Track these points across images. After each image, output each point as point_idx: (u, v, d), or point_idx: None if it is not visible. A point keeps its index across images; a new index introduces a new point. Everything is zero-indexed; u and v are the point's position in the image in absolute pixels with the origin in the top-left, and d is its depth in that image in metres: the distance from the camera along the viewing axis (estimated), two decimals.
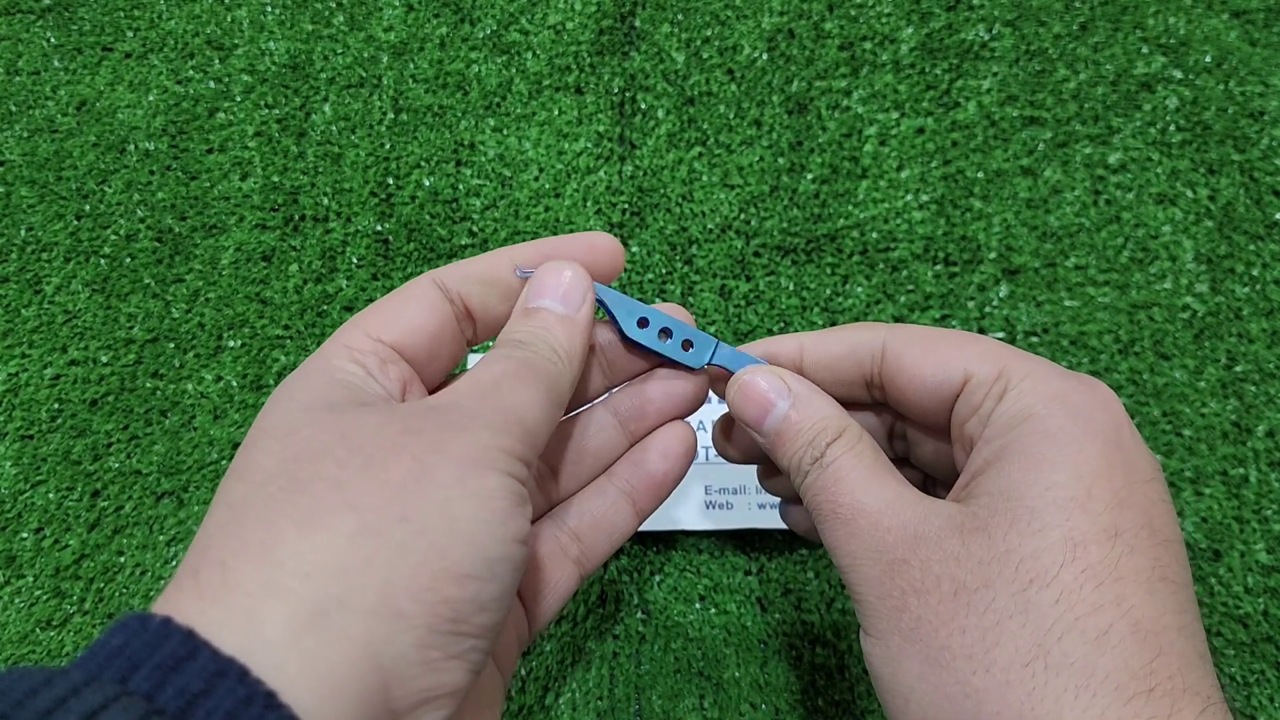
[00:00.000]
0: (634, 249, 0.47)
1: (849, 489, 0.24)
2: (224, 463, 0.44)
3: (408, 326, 0.25)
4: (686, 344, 0.28)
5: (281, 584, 0.18)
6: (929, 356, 0.25)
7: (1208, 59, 0.49)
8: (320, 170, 0.48)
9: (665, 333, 0.28)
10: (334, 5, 0.51)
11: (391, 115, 0.49)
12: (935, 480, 0.30)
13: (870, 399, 0.28)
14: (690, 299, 0.46)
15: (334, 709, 0.17)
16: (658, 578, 0.42)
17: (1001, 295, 0.45)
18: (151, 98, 0.50)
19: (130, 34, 0.51)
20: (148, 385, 0.45)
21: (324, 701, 0.17)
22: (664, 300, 0.46)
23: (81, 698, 0.15)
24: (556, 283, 0.26)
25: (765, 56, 0.50)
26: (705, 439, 0.42)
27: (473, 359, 0.28)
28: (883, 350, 0.26)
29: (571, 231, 0.47)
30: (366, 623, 0.18)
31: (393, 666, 0.18)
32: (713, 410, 0.42)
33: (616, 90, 0.50)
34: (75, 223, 0.47)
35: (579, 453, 0.29)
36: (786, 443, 0.26)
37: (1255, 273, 0.45)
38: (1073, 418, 0.22)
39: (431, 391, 0.27)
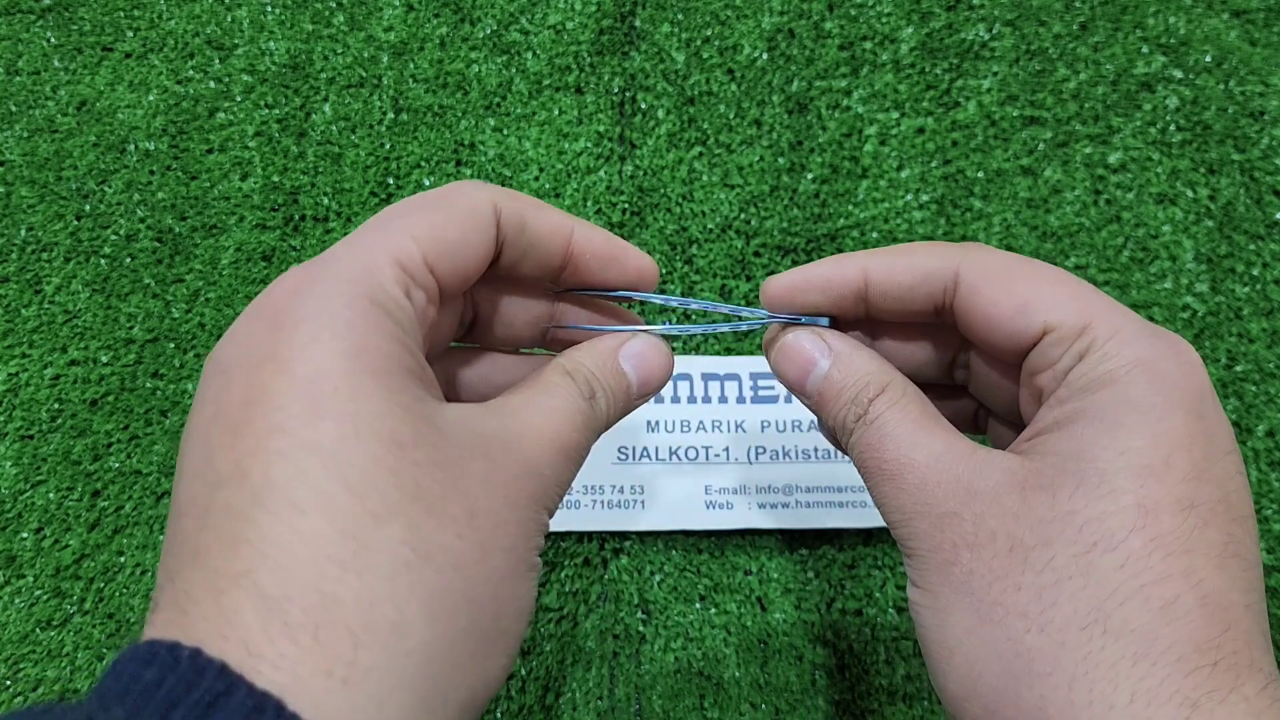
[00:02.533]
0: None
1: (894, 444, 0.23)
2: None
3: (460, 258, 0.22)
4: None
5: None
6: (1008, 298, 0.23)
7: (1208, 59, 0.49)
8: (320, 170, 0.48)
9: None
10: (334, 5, 0.51)
11: (391, 115, 0.49)
12: (990, 413, 0.29)
13: (938, 322, 0.27)
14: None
15: None
16: (658, 578, 0.42)
17: None
18: (151, 98, 0.49)
19: (130, 34, 0.51)
20: (148, 385, 0.45)
21: None
22: None
23: None
24: (658, 373, 0.26)
25: (765, 56, 0.50)
26: (706, 439, 0.42)
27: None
28: (956, 281, 0.25)
29: None
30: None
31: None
32: (714, 410, 0.43)
33: (616, 90, 0.50)
34: (75, 223, 0.47)
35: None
36: (830, 401, 0.26)
37: (1255, 273, 0.45)
38: (1156, 386, 0.21)
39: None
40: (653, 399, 0.37)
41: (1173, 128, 0.48)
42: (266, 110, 0.49)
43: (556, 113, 0.49)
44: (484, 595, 0.19)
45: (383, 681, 0.17)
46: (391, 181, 0.48)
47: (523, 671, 0.40)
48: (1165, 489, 0.20)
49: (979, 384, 0.28)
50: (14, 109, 0.49)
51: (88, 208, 0.47)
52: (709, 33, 0.50)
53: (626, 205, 0.48)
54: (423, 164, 0.48)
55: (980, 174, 0.47)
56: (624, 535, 0.42)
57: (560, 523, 0.41)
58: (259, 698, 0.16)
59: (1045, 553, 0.20)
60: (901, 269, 0.25)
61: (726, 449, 0.42)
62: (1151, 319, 0.45)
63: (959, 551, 0.22)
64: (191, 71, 0.50)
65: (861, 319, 0.28)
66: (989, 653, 0.21)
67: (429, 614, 0.18)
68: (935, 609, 0.22)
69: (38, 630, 0.41)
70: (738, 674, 0.40)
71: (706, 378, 0.43)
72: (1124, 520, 0.20)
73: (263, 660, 0.16)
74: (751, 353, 0.45)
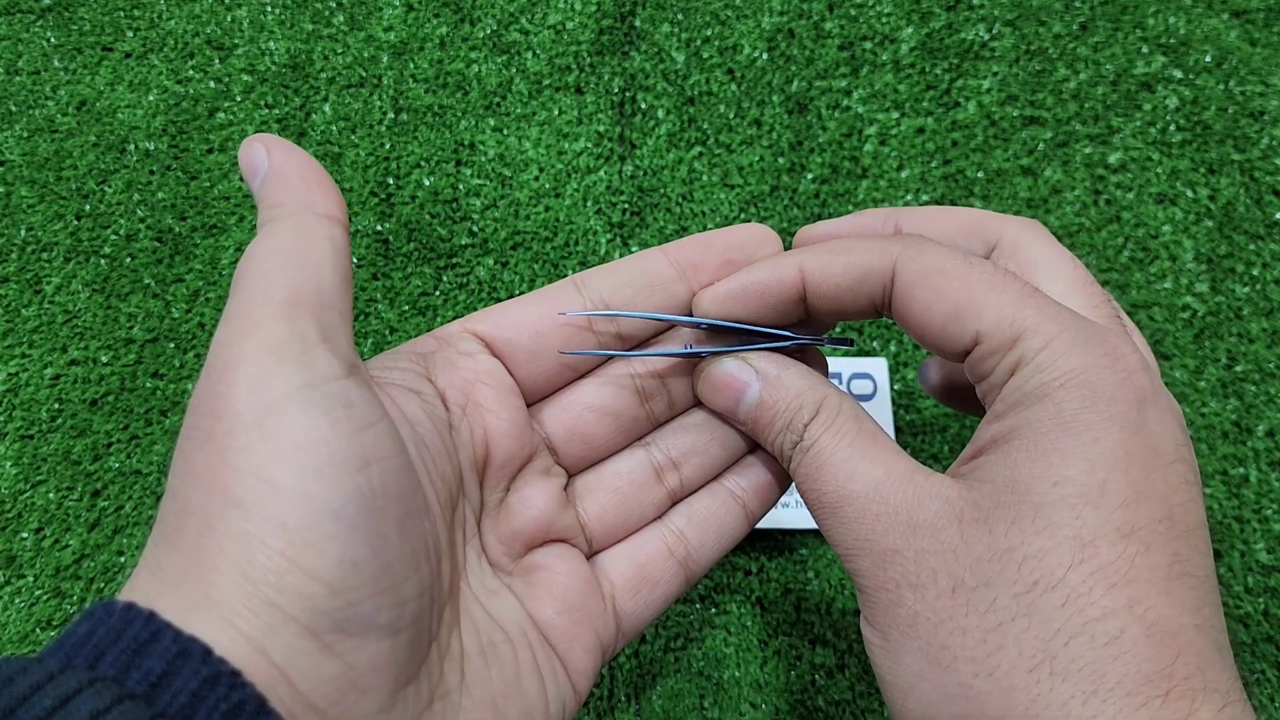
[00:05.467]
0: (634, 249, 0.47)
1: (831, 474, 0.23)
2: None
3: (511, 319, 0.26)
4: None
5: (174, 576, 0.18)
6: (940, 303, 0.22)
7: (1208, 59, 0.49)
8: None
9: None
10: (334, 5, 0.51)
11: (391, 115, 0.49)
12: None
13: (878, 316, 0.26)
14: None
15: None
16: None
17: None
18: (151, 98, 0.50)
19: (130, 34, 0.51)
20: (148, 385, 0.45)
21: None
22: None
23: (56, 684, 0.16)
24: None
25: (765, 56, 0.50)
26: None
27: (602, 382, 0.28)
28: (892, 279, 0.24)
29: (570, 231, 0.47)
30: (244, 619, 0.17)
31: (286, 660, 0.17)
32: None
33: (616, 90, 0.50)
34: (75, 223, 0.47)
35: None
36: (765, 428, 0.25)
37: (1255, 273, 0.45)
38: (1091, 401, 0.20)
39: (532, 393, 0.27)
40: None
41: (1173, 128, 0.48)
42: (266, 110, 0.49)
43: (556, 113, 0.49)
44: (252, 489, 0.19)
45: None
46: (391, 182, 0.48)
47: None
48: (1102, 517, 0.20)
49: None
50: (14, 109, 0.49)
51: (88, 208, 0.47)
52: (709, 33, 0.50)
53: (626, 205, 0.48)
54: (423, 164, 0.48)
55: (980, 174, 0.47)
56: None
57: None
58: (185, 643, 0.16)
59: (987, 594, 0.20)
60: (838, 268, 0.24)
61: None
62: (1151, 319, 0.45)
63: (903, 592, 0.21)
64: (191, 71, 0.50)
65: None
66: (940, 697, 0.20)
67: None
68: (886, 649, 0.22)
69: (38, 630, 0.41)
70: (738, 674, 0.40)
71: None
72: (1062, 556, 0.19)
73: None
74: None
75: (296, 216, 0.21)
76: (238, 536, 0.18)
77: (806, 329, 0.27)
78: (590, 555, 0.27)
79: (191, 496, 0.18)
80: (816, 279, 0.25)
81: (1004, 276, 0.22)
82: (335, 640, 0.18)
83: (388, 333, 0.46)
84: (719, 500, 0.28)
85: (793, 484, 0.28)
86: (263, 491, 0.18)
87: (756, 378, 0.25)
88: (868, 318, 0.26)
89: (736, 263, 0.26)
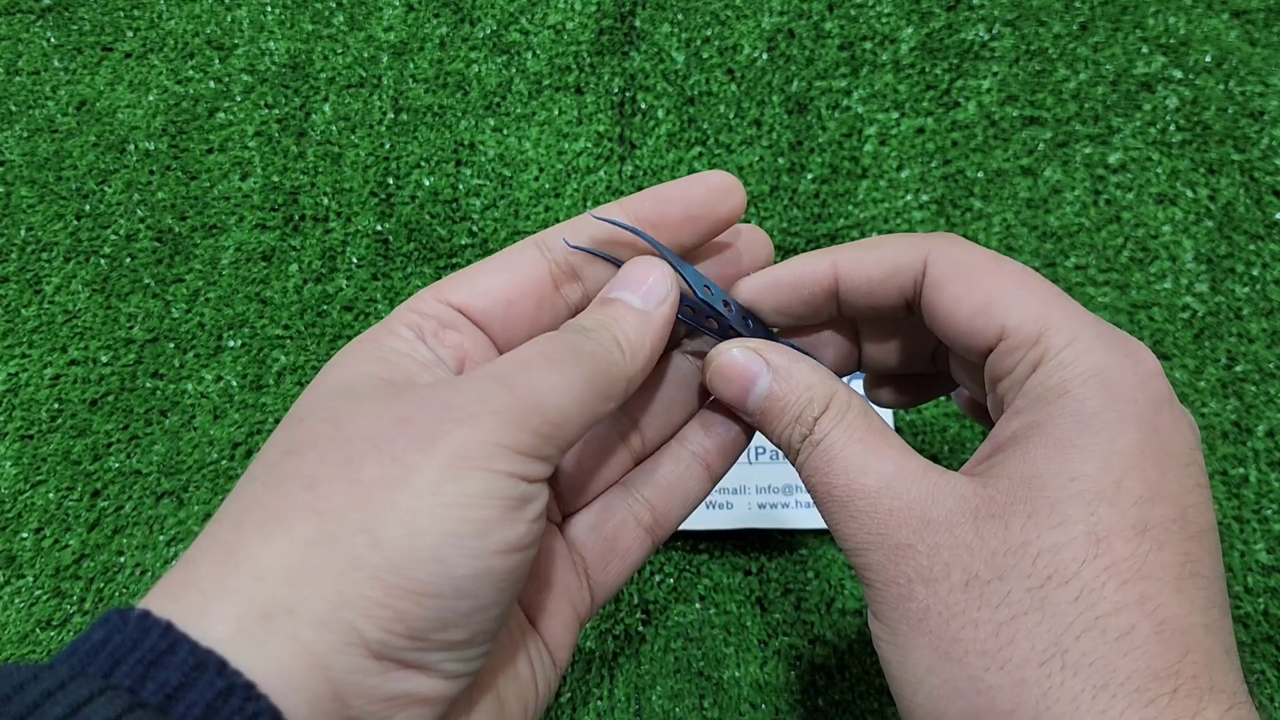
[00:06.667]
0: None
1: (843, 468, 0.23)
2: (224, 462, 0.44)
3: (481, 288, 0.24)
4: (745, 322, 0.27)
5: (233, 585, 0.18)
6: (969, 295, 0.23)
7: (1208, 59, 0.49)
8: (320, 170, 0.48)
9: (725, 306, 0.27)
10: (334, 5, 0.51)
11: (391, 115, 0.49)
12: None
13: (910, 317, 0.26)
14: None
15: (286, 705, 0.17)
16: (658, 578, 0.42)
17: None
18: (151, 98, 0.50)
19: (130, 34, 0.51)
20: (148, 385, 0.45)
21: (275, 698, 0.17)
22: None
23: (68, 691, 0.16)
24: (640, 278, 0.24)
25: (765, 56, 0.50)
26: None
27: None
28: (924, 272, 0.24)
29: None
30: (314, 632, 0.17)
31: (344, 677, 0.18)
32: None
33: (616, 90, 0.50)
34: (75, 223, 0.47)
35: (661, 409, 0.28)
36: (773, 419, 0.25)
37: (1255, 273, 0.45)
38: (1110, 399, 0.21)
39: None
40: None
41: (1173, 128, 0.48)
42: (266, 110, 0.49)
43: (556, 113, 0.49)
44: (389, 525, 0.19)
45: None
46: (391, 182, 0.48)
47: None
48: (1117, 514, 0.20)
49: (960, 376, 0.27)
50: (14, 109, 0.49)
51: (88, 208, 0.47)
52: (709, 33, 0.50)
53: None
54: (423, 164, 0.48)
55: (980, 174, 0.47)
56: None
57: None
58: (201, 655, 0.16)
59: (1001, 587, 0.20)
60: (870, 261, 0.25)
61: None
62: (1151, 319, 0.45)
63: (914, 586, 0.21)
64: (191, 71, 0.50)
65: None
66: (951, 691, 0.20)
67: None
68: (895, 644, 0.22)
69: (38, 630, 0.41)
70: (738, 674, 0.40)
71: None
72: (1076, 551, 0.20)
73: (183, 624, 0.17)
74: None
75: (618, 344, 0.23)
76: (353, 560, 0.18)
77: (835, 329, 0.28)
78: (560, 521, 0.28)
79: (326, 494, 0.18)
80: (849, 272, 0.25)
81: (1033, 276, 0.23)
82: (397, 669, 0.18)
83: None
84: (683, 465, 0.28)
85: (753, 438, 0.28)
86: (399, 534, 0.18)
87: (766, 369, 0.25)
88: (898, 315, 0.26)
89: (697, 219, 0.26)
